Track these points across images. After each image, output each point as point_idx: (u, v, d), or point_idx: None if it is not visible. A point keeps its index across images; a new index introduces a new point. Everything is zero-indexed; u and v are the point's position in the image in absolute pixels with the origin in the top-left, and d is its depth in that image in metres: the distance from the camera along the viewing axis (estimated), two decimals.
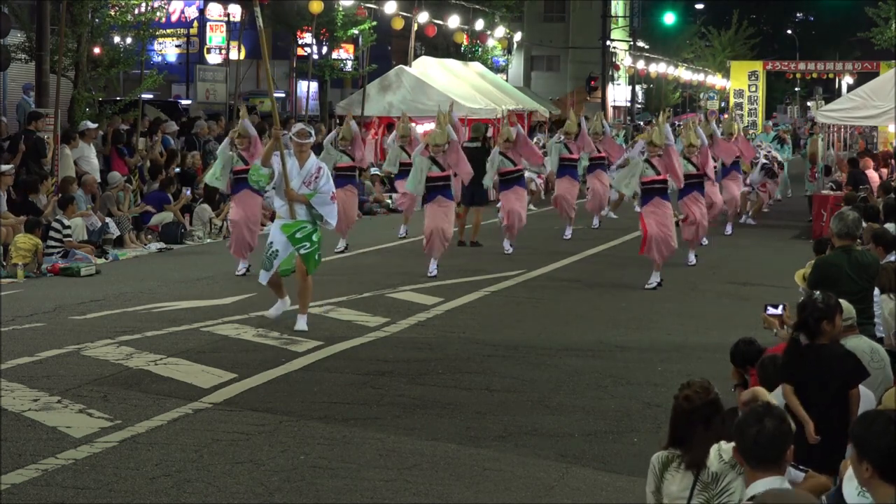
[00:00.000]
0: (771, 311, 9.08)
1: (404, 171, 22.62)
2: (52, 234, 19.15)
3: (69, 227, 19.48)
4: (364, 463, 9.08)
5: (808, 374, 7.46)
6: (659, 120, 19.71)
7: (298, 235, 14.07)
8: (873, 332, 9.85)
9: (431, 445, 9.61)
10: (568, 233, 24.52)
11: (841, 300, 8.50)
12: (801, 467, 6.16)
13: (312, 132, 14.64)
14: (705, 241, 23.16)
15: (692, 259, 20.63)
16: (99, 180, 22.58)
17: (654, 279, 18.05)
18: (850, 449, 4.75)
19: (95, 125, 23.86)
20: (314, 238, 14.15)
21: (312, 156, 14.36)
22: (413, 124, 26.42)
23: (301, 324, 14.06)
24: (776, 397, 7.49)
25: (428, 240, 18.63)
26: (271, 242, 14.19)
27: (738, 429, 5.23)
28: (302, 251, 14.09)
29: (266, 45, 16.26)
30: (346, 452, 9.35)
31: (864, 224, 11.70)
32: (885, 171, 28.18)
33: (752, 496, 5.11)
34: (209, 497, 8.28)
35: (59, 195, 20.28)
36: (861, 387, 7.66)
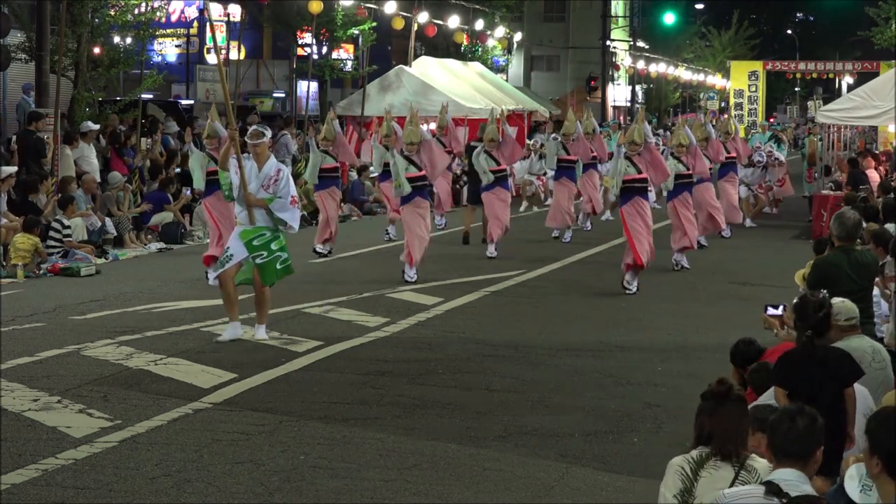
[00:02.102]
0: (771, 311, 9.08)
1: (387, 170, 22.51)
2: (51, 234, 19.16)
3: (69, 227, 19.49)
4: (364, 463, 9.08)
5: (810, 376, 7.43)
6: (638, 117, 19.49)
7: (255, 243, 13.52)
8: (874, 332, 9.86)
9: (431, 445, 9.61)
10: (567, 236, 24.28)
11: (844, 300, 8.51)
12: None
13: (267, 132, 14.02)
14: (703, 242, 23.08)
15: (684, 262, 20.27)
16: (99, 180, 22.58)
17: (633, 284, 17.55)
18: (864, 442, 4.81)
19: (97, 126, 23.87)
20: (273, 246, 13.56)
21: (272, 158, 13.85)
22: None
23: (261, 333, 13.60)
24: (768, 399, 7.47)
25: (409, 252, 17.94)
26: (228, 247, 13.80)
27: (772, 426, 5.45)
28: (258, 261, 13.52)
29: (217, 40, 16.11)
30: (346, 452, 9.35)
31: (864, 224, 11.70)
32: (883, 168, 28.16)
33: (767, 480, 5.24)
34: (209, 497, 8.28)
35: (59, 195, 20.28)
36: (857, 385, 7.65)
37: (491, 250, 21.30)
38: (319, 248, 21.02)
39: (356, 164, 24.92)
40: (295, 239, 22.57)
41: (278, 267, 13.63)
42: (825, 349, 7.60)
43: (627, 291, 17.47)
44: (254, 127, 14.03)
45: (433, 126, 25.07)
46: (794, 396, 7.27)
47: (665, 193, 20.97)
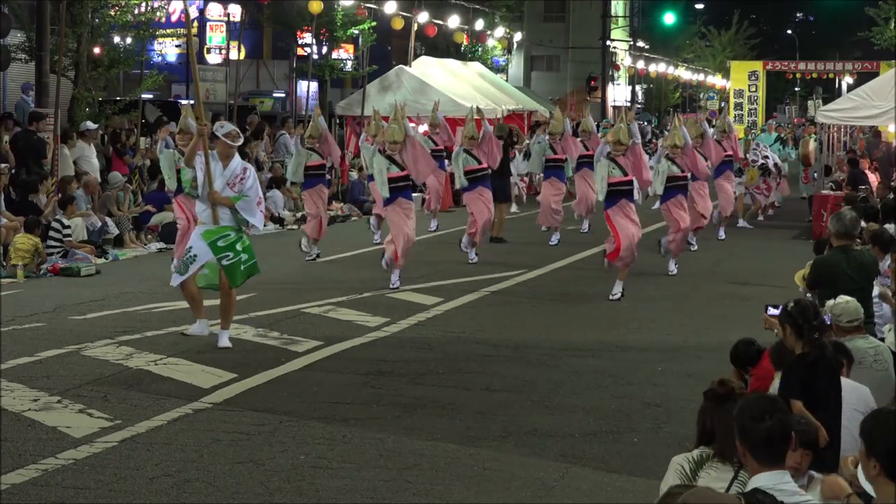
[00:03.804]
0: (771, 311, 9.06)
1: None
2: (52, 234, 19.16)
3: (69, 227, 19.49)
4: (364, 463, 9.08)
5: (820, 378, 7.38)
6: (624, 116, 18.88)
7: (220, 244, 13.19)
8: (874, 332, 9.88)
9: (431, 445, 9.61)
10: (554, 239, 23.66)
11: (850, 300, 8.51)
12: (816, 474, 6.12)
13: (241, 136, 13.75)
14: (695, 247, 22.78)
15: (673, 269, 19.67)
16: (99, 180, 22.57)
17: (618, 289, 17.13)
18: (860, 444, 4.74)
19: (96, 126, 23.86)
20: (238, 247, 13.22)
21: (237, 156, 13.43)
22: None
23: (223, 340, 13.20)
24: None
25: (395, 249, 17.43)
26: (190, 247, 13.33)
27: (743, 426, 5.25)
28: (224, 262, 13.18)
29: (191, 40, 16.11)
30: (346, 452, 9.36)
31: (863, 224, 11.72)
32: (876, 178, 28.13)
33: (752, 489, 5.16)
34: (209, 497, 8.28)
35: (59, 195, 20.27)
36: (856, 384, 7.65)
37: (471, 256, 20.59)
38: (305, 246, 20.58)
39: (337, 159, 24.48)
40: (293, 240, 22.62)
41: (242, 268, 13.29)
42: (827, 348, 7.58)
43: (612, 297, 17.05)
44: (232, 127, 13.67)
45: (424, 128, 24.91)
46: (810, 402, 7.13)
47: (653, 195, 20.60)
